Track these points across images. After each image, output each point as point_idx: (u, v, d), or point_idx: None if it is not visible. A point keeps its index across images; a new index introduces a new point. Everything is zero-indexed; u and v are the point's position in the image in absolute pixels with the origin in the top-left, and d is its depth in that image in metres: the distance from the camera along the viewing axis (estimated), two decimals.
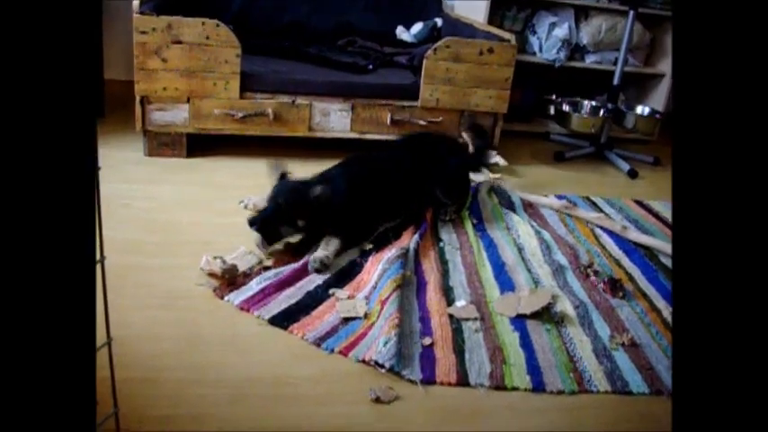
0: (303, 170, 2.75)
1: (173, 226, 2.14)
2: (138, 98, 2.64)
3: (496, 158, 3.01)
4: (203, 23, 2.60)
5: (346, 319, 1.70)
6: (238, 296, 1.74)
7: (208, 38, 2.61)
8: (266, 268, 1.90)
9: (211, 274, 1.83)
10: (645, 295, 2.02)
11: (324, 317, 1.70)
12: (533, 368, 1.60)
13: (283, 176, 2.12)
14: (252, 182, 2.57)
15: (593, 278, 2.06)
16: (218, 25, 2.62)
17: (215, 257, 1.86)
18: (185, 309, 1.69)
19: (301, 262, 1.94)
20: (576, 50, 3.79)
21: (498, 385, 1.53)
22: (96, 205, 0.79)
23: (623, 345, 1.73)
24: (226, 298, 1.73)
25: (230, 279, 1.81)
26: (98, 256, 0.88)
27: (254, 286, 1.79)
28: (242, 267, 1.87)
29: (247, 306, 1.70)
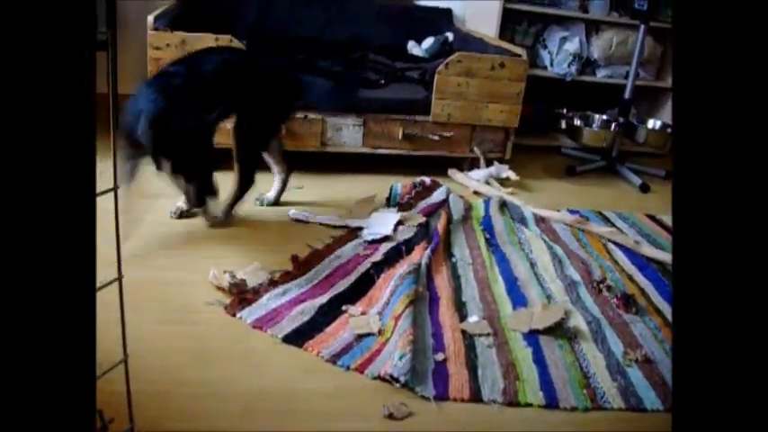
0: (315, 185, 2.77)
1: (186, 240, 2.15)
2: None
3: (508, 173, 3.01)
4: (217, 39, 2.62)
5: (360, 336, 1.69)
6: (251, 314, 1.74)
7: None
8: (274, 283, 1.90)
9: (219, 288, 1.83)
10: (658, 311, 2.00)
11: (338, 333, 1.70)
12: (546, 384, 1.59)
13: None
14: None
15: (605, 293, 2.05)
16: (231, 40, 2.64)
17: (224, 271, 1.87)
18: (198, 323, 1.70)
19: (307, 276, 1.95)
20: (587, 64, 3.80)
21: (511, 401, 1.52)
22: (116, 222, 0.79)
23: (637, 361, 1.72)
24: (238, 315, 1.74)
25: (239, 294, 1.82)
26: (117, 275, 0.88)
27: (265, 303, 1.79)
28: (251, 283, 1.87)
29: (260, 324, 1.70)
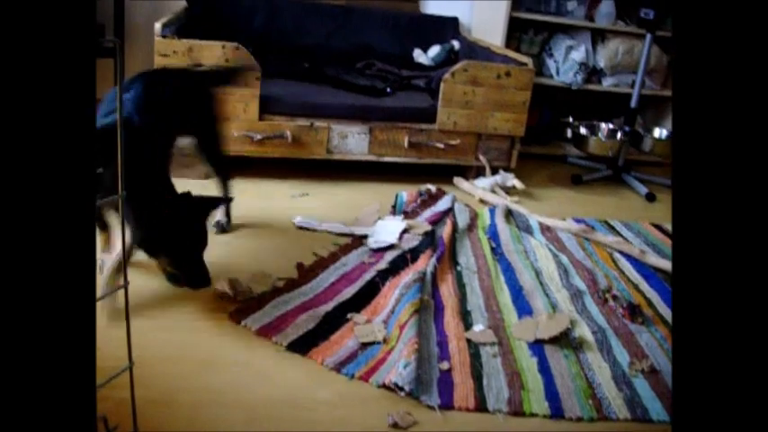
0: (320, 192, 2.78)
1: None
2: None
3: (514, 181, 3.01)
4: (223, 46, 2.63)
5: (365, 344, 1.69)
6: (255, 322, 1.74)
7: (228, 61, 2.64)
8: (279, 291, 1.90)
9: (225, 296, 1.83)
10: (664, 321, 1.99)
11: (342, 342, 1.69)
12: (552, 394, 1.58)
13: None
14: (269, 203, 2.58)
15: (611, 303, 2.04)
16: (237, 48, 2.65)
17: (229, 279, 1.87)
18: (202, 330, 1.70)
19: (312, 284, 1.95)
20: (592, 73, 3.80)
21: (517, 411, 1.52)
22: (122, 231, 0.79)
23: (643, 371, 1.71)
24: (243, 322, 1.74)
25: (244, 302, 1.81)
26: (122, 282, 0.88)
27: (269, 311, 1.79)
28: (256, 290, 1.87)
29: (265, 332, 1.70)
